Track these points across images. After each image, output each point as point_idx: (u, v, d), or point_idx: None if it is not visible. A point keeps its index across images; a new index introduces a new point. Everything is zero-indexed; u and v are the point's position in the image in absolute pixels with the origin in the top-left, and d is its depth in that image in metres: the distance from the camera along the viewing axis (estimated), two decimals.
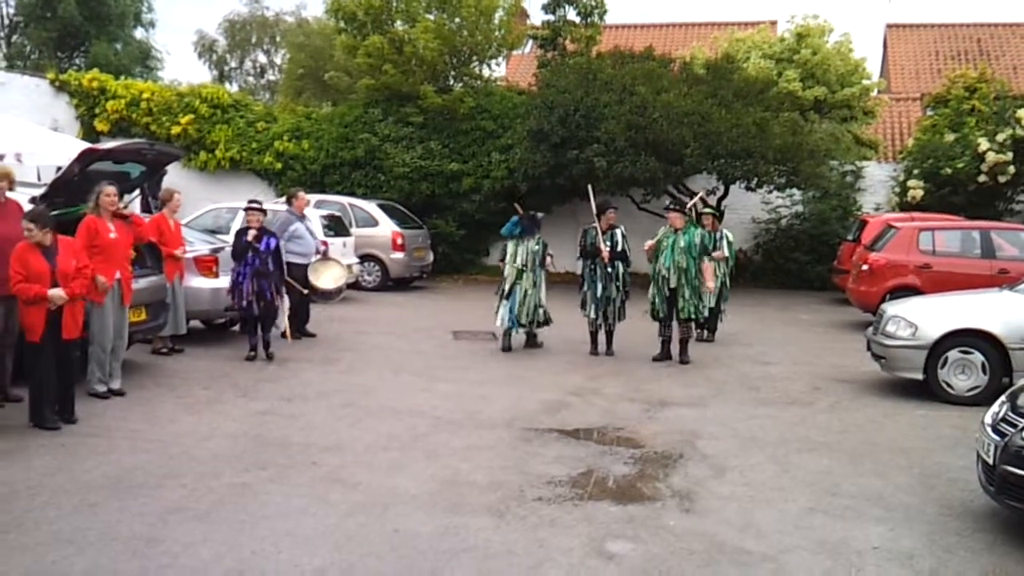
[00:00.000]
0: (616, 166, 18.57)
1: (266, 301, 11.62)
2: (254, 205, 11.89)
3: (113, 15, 42.70)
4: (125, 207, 9.93)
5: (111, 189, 9.30)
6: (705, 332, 14.21)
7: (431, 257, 21.20)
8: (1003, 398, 6.72)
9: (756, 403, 10.15)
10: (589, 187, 13.36)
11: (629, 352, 12.80)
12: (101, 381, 9.39)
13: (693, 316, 12.36)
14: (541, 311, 13.03)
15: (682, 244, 12.18)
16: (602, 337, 12.87)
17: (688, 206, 13.39)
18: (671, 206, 12.68)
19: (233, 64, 53.11)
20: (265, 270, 11.60)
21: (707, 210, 14.91)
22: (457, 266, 23.15)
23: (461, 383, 10.71)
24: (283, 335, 12.69)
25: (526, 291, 12.89)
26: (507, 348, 12.91)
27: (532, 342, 13.21)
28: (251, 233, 11.64)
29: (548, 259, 13.23)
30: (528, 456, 7.82)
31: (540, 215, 13.52)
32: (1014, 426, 6.19)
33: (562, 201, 22.35)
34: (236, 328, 13.34)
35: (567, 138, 19.24)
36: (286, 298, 12.22)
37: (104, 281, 8.86)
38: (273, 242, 11.78)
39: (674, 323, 12.47)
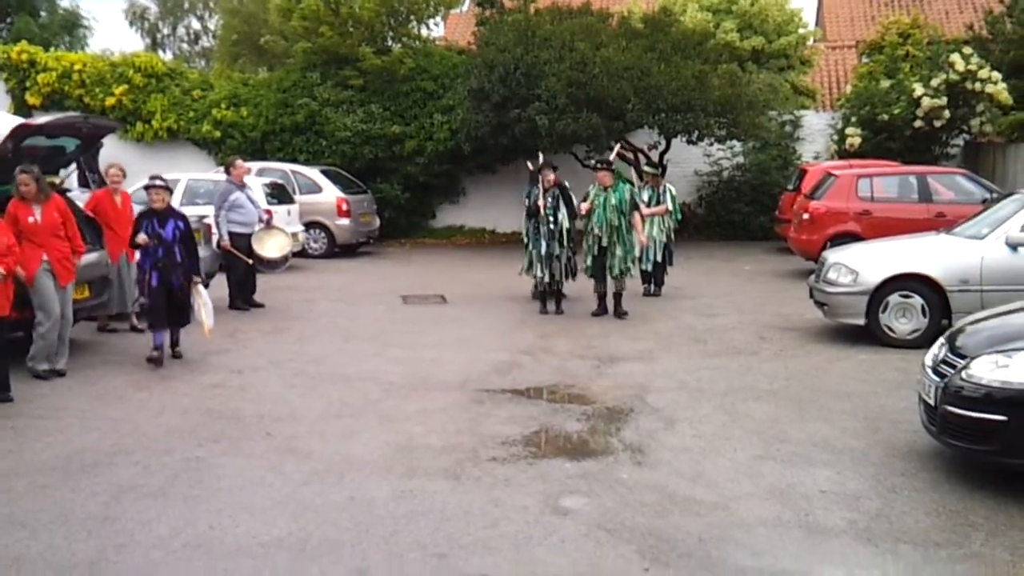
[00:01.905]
0: (558, 124, 18.57)
1: (172, 296, 9.87)
2: (157, 182, 9.99)
3: None
4: (61, 182, 9.75)
5: (23, 177, 9.12)
6: (652, 286, 14.32)
7: (377, 222, 21.13)
8: (942, 340, 6.82)
9: (703, 355, 10.25)
10: (540, 154, 13.36)
11: (578, 310, 12.84)
12: (46, 360, 9.27)
13: (623, 272, 12.42)
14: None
15: (613, 202, 12.25)
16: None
17: (611, 157, 13.43)
18: (598, 164, 12.75)
19: (166, 31, 52.08)
20: (169, 260, 9.80)
21: (648, 168, 15.00)
22: (404, 230, 23.07)
23: (412, 347, 10.70)
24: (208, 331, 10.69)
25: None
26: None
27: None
28: (141, 239, 9.79)
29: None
30: (481, 417, 7.85)
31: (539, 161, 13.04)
32: (953, 367, 6.30)
33: (506, 161, 22.37)
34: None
35: (508, 97, 19.15)
36: (203, 293, 10.25)
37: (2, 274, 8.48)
38: (181, 226, 9.91)
39: (608, 279, 12.60)
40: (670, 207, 14.19)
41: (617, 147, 14.55)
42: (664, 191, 14.24)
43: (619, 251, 12.31)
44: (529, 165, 13.00)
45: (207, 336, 10.17)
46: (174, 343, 10.18)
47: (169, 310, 9.88)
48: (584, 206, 12.39)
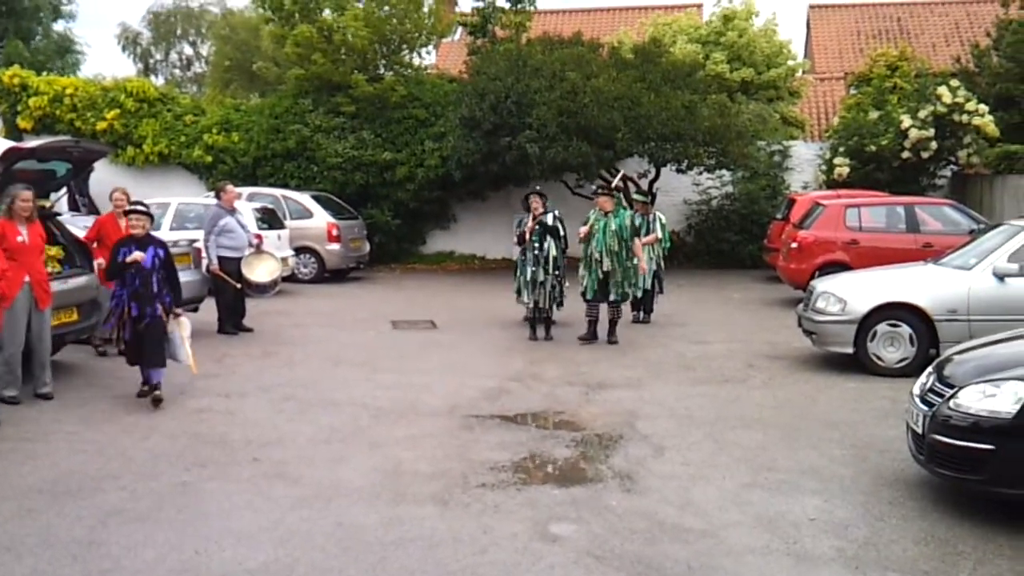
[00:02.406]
0: (548, 152, 18.61)
1: (148, 328, 9.09)
2: (138, 208, 9.37)
3: (28, 9, 41.60)
4: (51, 206, 9.71)
5: (27, 194, 9.06)
6: (641, 313, 14.32)
7: (367, 248, 21.11)
8: (930, 369, 6.79)
9: (692, 382, 10.24)
10: (536, 190, 13.41)
11: (568, 337, 12.83)
12: (11, 385, 9.09)
13: (622, 298, 12.46)
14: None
15: (613, 227, 12.24)
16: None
17: (614, 184, 13.50)
18: (599, 190, 12.73)
19: (158, 57, 52.20)
20: (146, 291, 9.08)
21: (638, 197, 15.06)
22: (394, 256, 23.03)
23: (402, 373, 10.67)
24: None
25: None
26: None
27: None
28: (134, 253, 9.09)
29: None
30: (470, 443, 7.82)
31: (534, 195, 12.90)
32: (941, 396, 6.29)
33: (496, 188, 22.46)
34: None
35: (499, 125, 19.23)
36: (186, 323, 9.42)
37: None
38: (161, 254, 9.20)
39: (603, 305, 12.56)
40: (660, 235, 14.24)
41: (622, 174, 14.60)
42: (654, 219, 14.26)
43: (619, 277, 12.34)
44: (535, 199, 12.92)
45: (194, 370, 9.59)
46: (152, 386, 9.18)
47: (144, 346, 9.09)
48: (583, 230, 12.39)
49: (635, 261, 12.46)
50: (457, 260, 23.73)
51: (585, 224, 12.48)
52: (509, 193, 22.24)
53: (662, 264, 14.44)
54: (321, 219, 19.70)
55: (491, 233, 23.30)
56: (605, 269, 12.26)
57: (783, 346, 12.26)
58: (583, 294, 12.55)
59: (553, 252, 12.57)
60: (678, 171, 20.60)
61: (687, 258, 22.54)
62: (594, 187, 13.29)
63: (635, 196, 15.23)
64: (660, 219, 14.39)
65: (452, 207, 23.75)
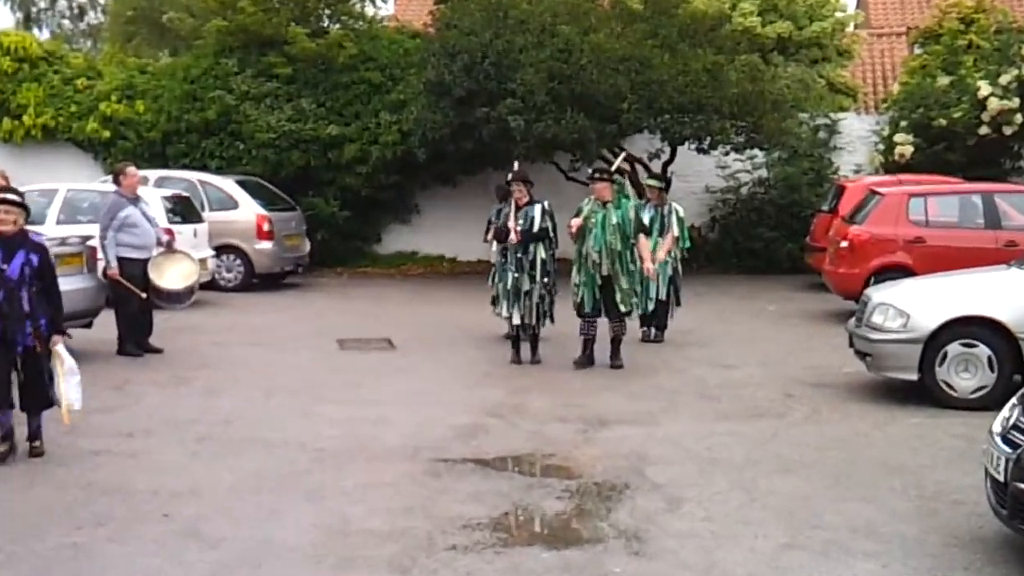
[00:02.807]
0: (536, 126, 18.60)
1: (24, 362, 8.64)
2: (6, 197, 8.74)
3: None
4: None
5: None
6: (652, 330, 14.34)
7: (307, 246, 21.15)
8: (1014, 400, 6.82)
9: (716, 417, 10.27)
10: (516, 162, 13.43)
11: (559, 359, 12.83)
12: None
13: (632, 310, 12.52)
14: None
15: (614, 220, 12.20)
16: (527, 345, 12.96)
17: (615, 167, 13.47)
18: (595, 174, 12.71)
19: (43, 4, 51.94)
20: (12, 309, 8.49)
21: (651, 182, 15.05)
22: (341, 257, 23.08)
23: (350, 404, 10.70)
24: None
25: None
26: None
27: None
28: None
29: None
30: (438, 494, 7.82)
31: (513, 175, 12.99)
32: None
33: (470, 171, 22.52)
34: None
35: (474, 92, 19.25)
36: (66, 357, 8.78)
37: None
38: (34, 261, 8.61)
39: (602, 319, 12.53)
40: (676, 232, 14.23)
41: (625, 154, 14.61)
42: (669, 212, 14.26)
43: (624, 283, 12.31)
44: (514, 171, 12.98)
45: (66, 421, 8.84)
46: (32, 435, 8.77)
47: (21, 385, 8.66)
48: (575, 223, 12.29)
49: (638, 264, 12.46)
50: (421, 262, 23.77)
51: (577, 215, 12.43)
52: (487, 178, 22.06)
53: (679, 268, 14.42)
54: (249, 210, 19.69)
55: (463, 228, 22.97)
56: (604, 273, 12.25)
57: (830, 371, 12.29)
58: (577, 307, 12.52)
59: (541, 254, 12.55)
60: (699, 151, 20.61)
61: (709, 260, 22.56)
62: (590, 170, 13.27)
63: (647, 182, 15.24)
64: (677, 211, 14.34)
65: (414, 195, 23.80)
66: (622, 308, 12.39)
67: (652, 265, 12.71)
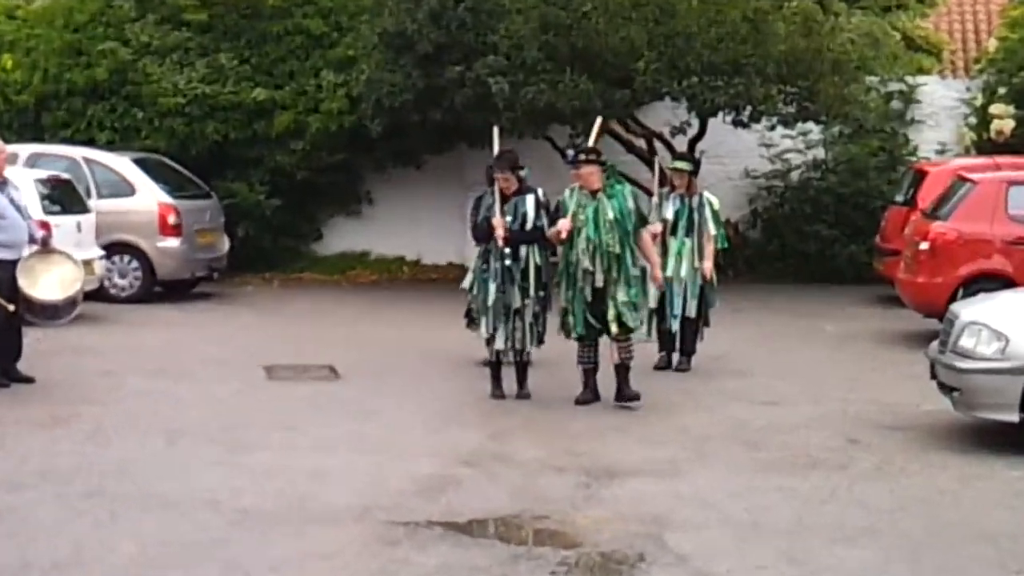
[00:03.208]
0: (525, 90, 18.69)
1: None
2: None
3: None
4: None
5: None
6: (677, 356, 14.35)
7: (226, 245, 21.23)
8: None
9: (758, 468, 10.22)
10: (495, 130, 13.24)
11: (555, 391, 12.84)
12: None
13: (632, 327, 12.40)
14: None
15: (609, 215, 12.12)
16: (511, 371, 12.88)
17: (592, 141, 13.16)
18: (579, 155, 12.67)
19: None
20: None
21: (678, 163, 14.85)
22: (270, 259, 23.25)
23: (282, 452, 10.62)
24: None
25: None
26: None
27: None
28: None
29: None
30: (396, 567, 7.73)
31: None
32: None
33: (438, 149, 22.64)
34: None
35: (444, 46, 19.37)
36: None
37: None
38: None
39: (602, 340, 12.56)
40: (713, 230, 14.24)
41: (598, 123, 14.21)
42: (701, 204, 14.30)
43: (622, 294, 12.23)
44: (495, 144, 12.82)
45: None
46: None
47: None
48: (563, 225, 12.17)
49: (641, 266, 12.52)
50: (374, 266, 23.99)
51: (561, 214, 12.29)
52: (460, 157, 22.17)
53: (713, 277, 14.42)
54: (149, 198, 19.69)
55: (429, 223, 23.47)
56: (598, 285, 12.19)
57: (904, 410, 12.29)
58: (566, 329, 12.59)
59: (536, 260, 12.51)
60: (736, 124, 20.68)
61: (750, 266, 22.78)
62: (570, 151, 13.17)
63: (673, 164, 15.02)
64: (711, 203, 14.40)
65: (366, 180, 24.00)
66: (619, 326, 12.28)
67: (659, 271, 12.85)
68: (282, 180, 22.57)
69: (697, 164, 15.42)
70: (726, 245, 14.88)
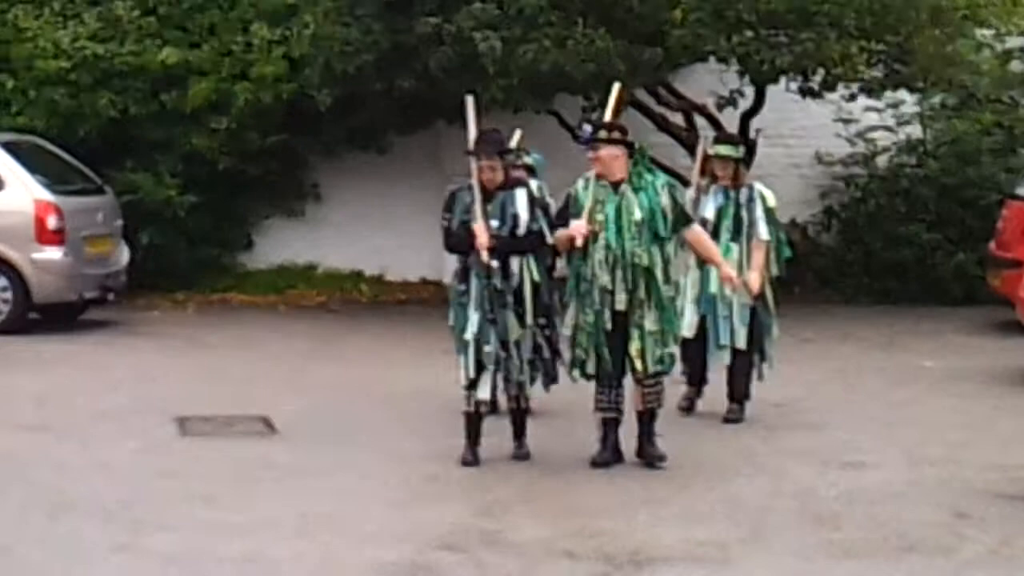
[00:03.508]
0: (523, 49, 18.77)
1: None
2: None
3: None
4: None
5: None
6: (729, 404, 14.45)
7: (126, 256, 21.32)
8: None
9: (833, 552, 10.00)
10: (468, 99, 13.27)
11: (560, 449, 12.90)
12: None
13: (661, 366, 12.42)
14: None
15: (636, 214, 12.08)
16: (494, 423, 12.80)
17: (610, 113, 13.11)
18: (598, 133, 12.60)
19: None
20: None
21: (722, 148, 14.85)
22: (184, 275, 23.50)
23: (199, 531, 10.33)
24: None
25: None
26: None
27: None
28: None
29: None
30: None
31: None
32: None
33: (409, 126, 22.80)
34: None
35: None
36: None
37: None
38: None
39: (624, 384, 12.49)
40: (765, 235, 14.29)
41: (616, 90, 14.27)
42: (751, 199, 14.38)
43: (650, 322, 12.19)
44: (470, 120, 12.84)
45: None
46: None
47: None
48: (578, 228, 12.11)
49: (673, 287, 12.59)
50: (322, 283, 24.34)
51: (571, 213, 12.28)
52: (436, 138, 22.32)
53: (768, 295, 14.48)
54: (22, 193, 19.84)
55: (396, 225, 23.49)
56: (619, 307, 12.18)
57: None
58: (577, 367, 12.52)
59: (533, 275, 12.40)
60: (804, 93, 21.01)
61: (822, 281, 22.97)
62: (587, 127, 13.05)
63: (715, 149, 15.05)
64: (764, 198, 14.45)
65: (312, 169, 24.40)
66: (643, 365, 12.33)
67: (733, 273, 13.04)
68: (200, 170, 22.76)
69: (750, 148, 15.58)
70: (789, 254, 14.89)
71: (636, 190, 12.16)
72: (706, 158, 14.74)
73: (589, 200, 12.18)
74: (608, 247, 12.10)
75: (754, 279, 13.86)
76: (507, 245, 12.26)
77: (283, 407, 14.84)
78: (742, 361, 14.23)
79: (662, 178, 12.50)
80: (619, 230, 12.08)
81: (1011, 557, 9.95)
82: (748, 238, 14.24)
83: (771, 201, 14.48)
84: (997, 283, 19.08)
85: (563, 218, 12.27)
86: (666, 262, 12.24)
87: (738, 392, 14.35)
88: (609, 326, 12.18)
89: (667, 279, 12.26)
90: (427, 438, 13.50)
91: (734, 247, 13.94)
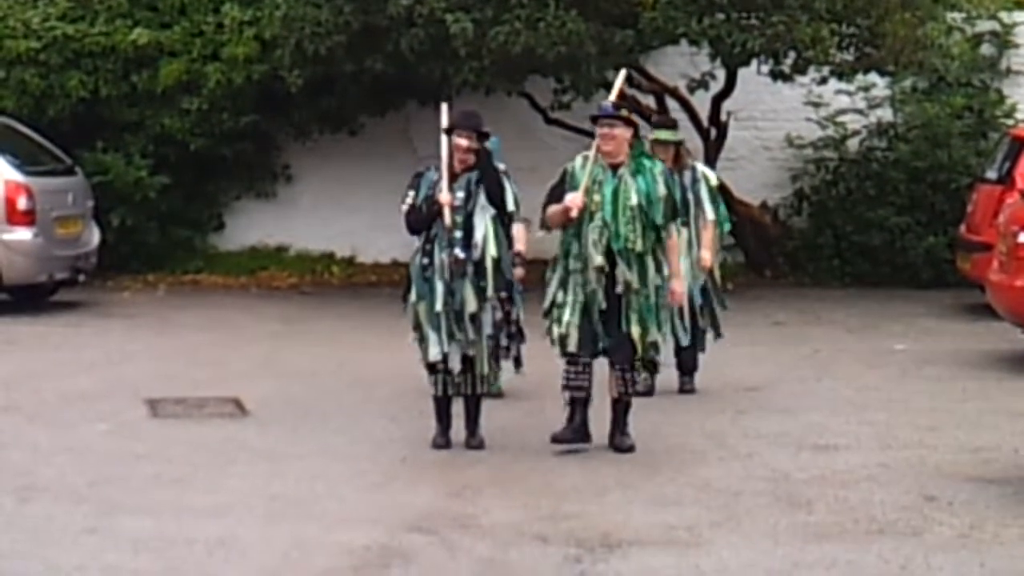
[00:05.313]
0: (495, 31, 18.81)
1: None
2: None
3: None
4: None
5: None
6: (683, 376, 14.86)
7: (96, 238, 21.48)
8: None
9: (806, 535, 10.02)
10: (443, 106, 13.21)
11: (530, 432, 12.91)
12: None
13: (654, 355, 12.52)
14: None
15: (632, 199, 12.10)
16: (461, 408, 12.83)
17: (614, 92, 13.13)
18: (613, 110, 12.46)
19: None
20: None
21: (661, 133, 15.04)
22: (155, 256, 23.68)
23: (170, 514, 10.40)
24: None
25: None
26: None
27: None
28: None
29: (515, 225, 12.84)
30: None
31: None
32: None
33: (380, 107, 23.00)
34: None
35: None
36: None
37: None
38: None
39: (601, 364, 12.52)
40: (711, 215, 14.62)
41: (622, 76, 14.28)
42: (695, 180, 14.69)
43: (644, 306, 12.25)
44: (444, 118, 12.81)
45: None
46: None
47: None
48: (574, 199, 12.10)
49: (666, 275, 12.50)
50: (293, 265, 24.55)
51: (561, 184, 12.33)
52: (408, 120, 22.26)
53: (716, 272, 14.92)
54: None
55: (368, 207, 23.49)
56: (618, 289, 12.20)
57: (999, 457, 12.30)
58: (558, 341, 12.42)
59: (492, 250, 12.42)
60: (775, 76, 21.12)
61: (793, 264, 23.21)
62: (605, 104, 12.89)
63: (655, 134, 15.08)
64: (707, 178, 14.86)
65: (283, 150, 24.53)
66: (642, 349, 12.31)
67: (681, 287, 12.96)
68: (171, 151, 22.95)
69: (722, 131, 15.57)
70: (729, 226, 15.27)
71: (634, 174, 12.18)
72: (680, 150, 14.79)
73: (586, 178, 12.14)
74: (603, 227, 12.08)
75: (706, 256, 14.36)
76: (467, 219, 12.28)
77: (254, 389, 15.00)
78: (694, 337, 14.50)
79: (660, 165, 12.60)
80: (615, 213, 12.07)
81: (980, 540, 9.99)
82: (695, 219, 14.40)
83: (713, 180, 15.10)
84: (967, 266, 19.17)
85: (557, 194, 12.24)
86: (659, 250, 12.29)
87: (687, 367, 14.77)
88: (604, 306, 12.17)
89: (658, 268, 12.26)
90: (399, 421, 13.68)
91: (684, 229, 13.81)
